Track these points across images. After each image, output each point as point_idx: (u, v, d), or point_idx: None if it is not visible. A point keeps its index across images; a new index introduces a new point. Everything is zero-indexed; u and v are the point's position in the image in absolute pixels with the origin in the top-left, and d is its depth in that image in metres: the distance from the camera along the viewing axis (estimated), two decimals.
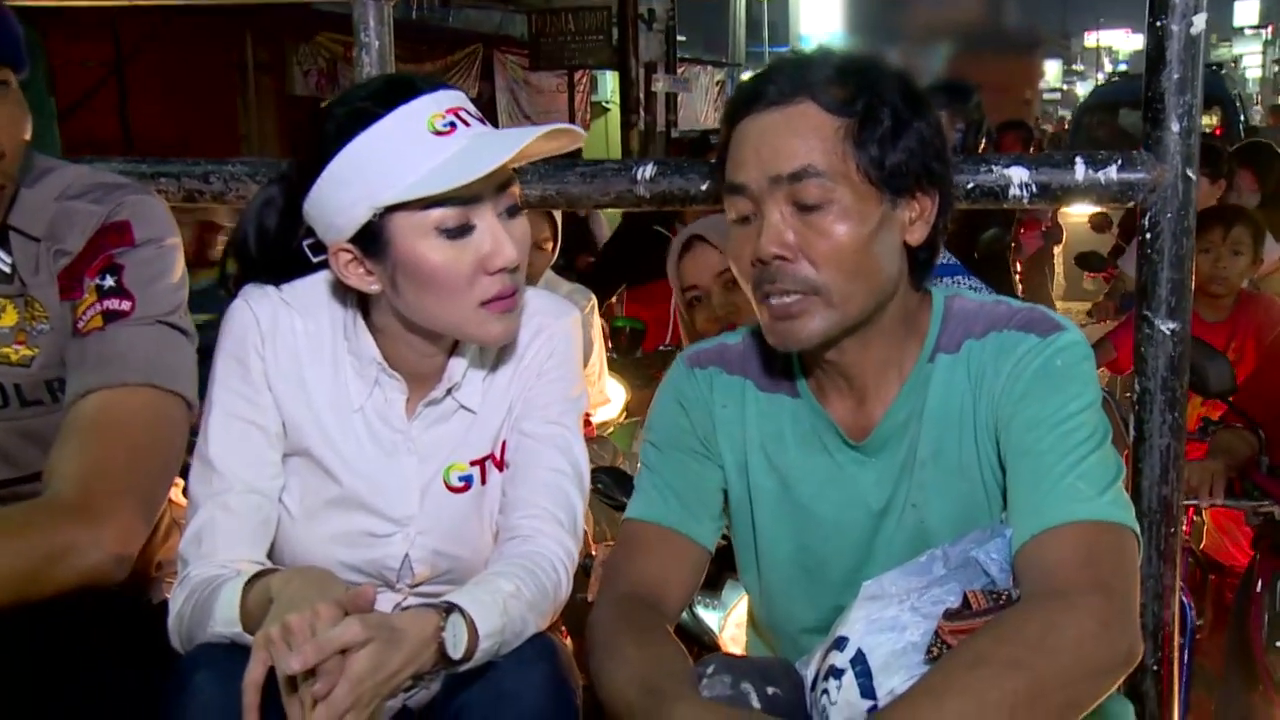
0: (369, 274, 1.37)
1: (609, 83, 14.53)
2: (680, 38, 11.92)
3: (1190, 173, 1.57)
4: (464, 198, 1.32)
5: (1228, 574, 3.09)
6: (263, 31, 10.02)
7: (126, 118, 8.42)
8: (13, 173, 1.44)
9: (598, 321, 3.34)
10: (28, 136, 1.44)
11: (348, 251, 1.36)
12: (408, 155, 1.31)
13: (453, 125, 1.32)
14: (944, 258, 2.82)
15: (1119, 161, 1.59)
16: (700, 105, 15.11)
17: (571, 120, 12.07)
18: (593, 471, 2.57)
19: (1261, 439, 2.55)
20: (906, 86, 1.36)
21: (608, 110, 15.05)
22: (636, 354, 3.97)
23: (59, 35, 7.85)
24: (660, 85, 10.52)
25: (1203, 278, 3.35)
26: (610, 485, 2.46)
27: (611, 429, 3.53)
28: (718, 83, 17.76)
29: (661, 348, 4.07)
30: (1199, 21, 1.54)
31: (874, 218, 1.32)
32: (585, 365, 3.02)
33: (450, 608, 1.25)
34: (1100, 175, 1.59)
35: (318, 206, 1.36)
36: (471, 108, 1.37)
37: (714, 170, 1.56)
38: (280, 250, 1.46)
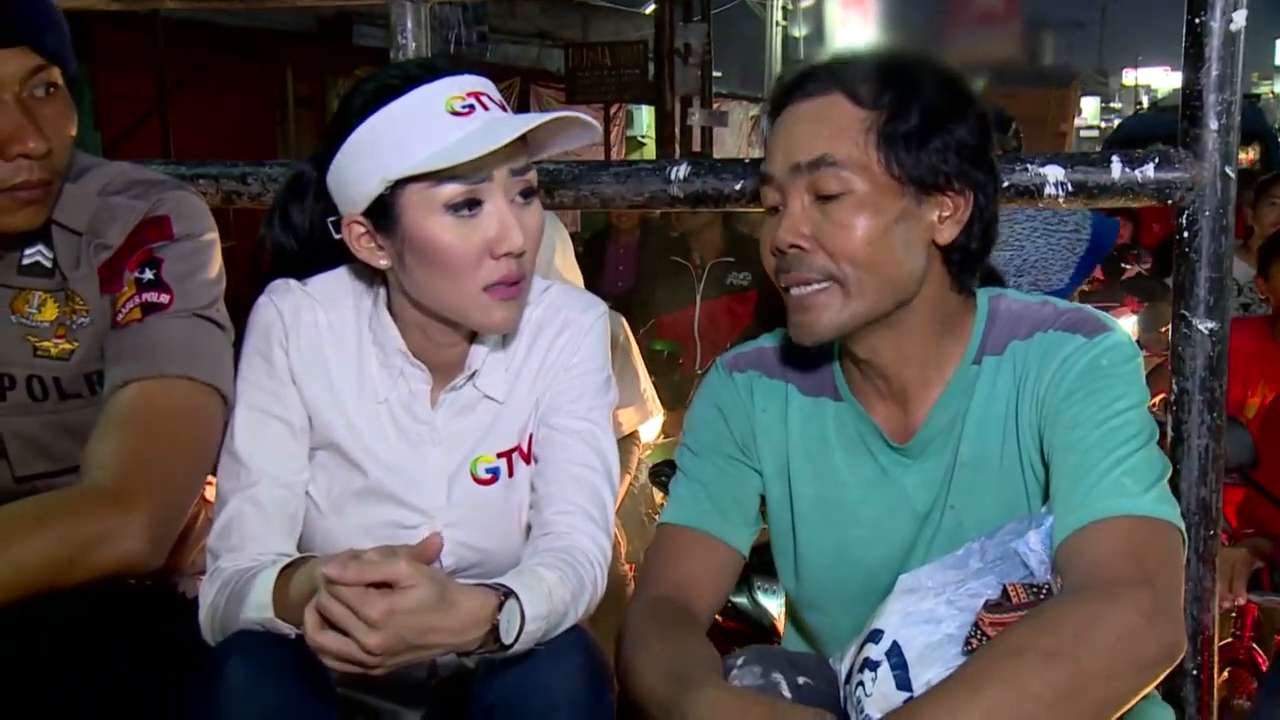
0: (379, 248, 1.38)
1: (644, 117, 14.58)
2: (716, 72, 11.96)
3: (1229, 171, 1.55)
4: (474, 176, 1.32)
5: None
6: (303, 67, 10.18)
7: (169, 151, 8.55)
8: (61, 169, 1.46)
9: (634, 345, 3.34)
10: (74, 133, 1.47)
11: (360, 224, 1.38)
12: (422, 131, 1.32)
13: (471, 108, 1.33)
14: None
15: (1156, 160, 1.57)
16: (734, 139, 15.13)
17: (607, 153, 12.17)
18: (657, 464, 2.56)
19: None
20: (948, 86, 1.35)
21: (643, 145, 15.10)
22: (674, 377, 3.98)
23: (105, 71, 8.02)
24: (696, 119, 10.54)
25: None
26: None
27: (649, 450, 3.52)
28: (752, 117, 17.78)
29: (698, 370, 4.08)
30: (1239, 18, 1.52)
31: (891, 211, 1.32)
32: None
33: (507, 592, 1.24)
34: (1137, 174, 1.58)
35: (336, 179, 1.38)
36: (494, 94, 1.38)
37: (752, 169, 1.57)
38: (307, 228, 1.48)
